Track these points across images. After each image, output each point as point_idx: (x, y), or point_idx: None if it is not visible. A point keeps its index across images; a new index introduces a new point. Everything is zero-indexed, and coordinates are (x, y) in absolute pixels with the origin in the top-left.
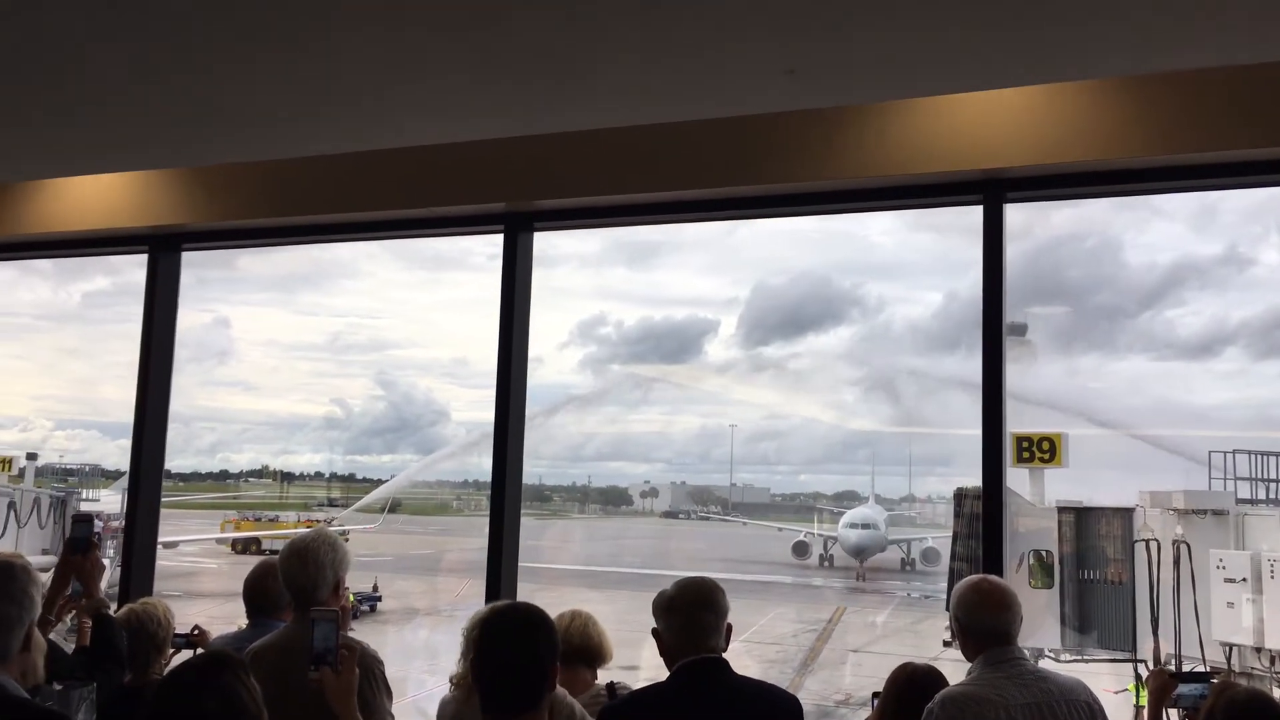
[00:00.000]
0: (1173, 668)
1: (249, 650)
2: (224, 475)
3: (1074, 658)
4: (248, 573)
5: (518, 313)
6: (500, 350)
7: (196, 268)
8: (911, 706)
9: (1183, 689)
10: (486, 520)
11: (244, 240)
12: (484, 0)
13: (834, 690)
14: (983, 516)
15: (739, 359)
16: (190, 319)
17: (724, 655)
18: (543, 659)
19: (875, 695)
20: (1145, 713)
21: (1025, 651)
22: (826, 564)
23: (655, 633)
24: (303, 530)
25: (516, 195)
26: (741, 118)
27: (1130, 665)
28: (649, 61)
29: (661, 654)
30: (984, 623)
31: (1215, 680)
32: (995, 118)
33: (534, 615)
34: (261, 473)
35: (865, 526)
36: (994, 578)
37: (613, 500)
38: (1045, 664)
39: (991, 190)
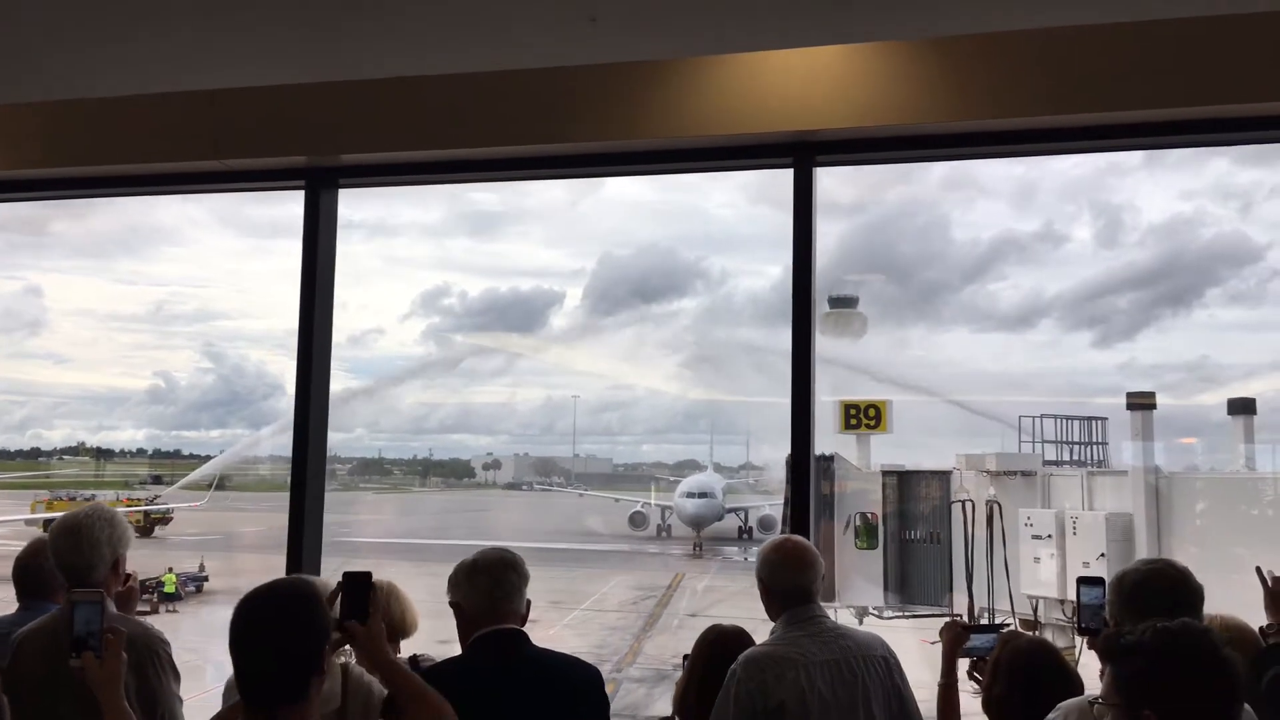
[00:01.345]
0: (966, 619)
1: (17, 635)
2: (36, 453)
3: (895, 614)
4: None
5: (320, 277)
6: (301, 318)
7: (4, 232)
8: (719, 667)
9: (974, 640)
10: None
11: (3, 193)
12: None
13: (672, 654)
14: (791, 481)
15: (584, 330)
16: None
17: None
18: (309, 642)
19: (686, 657)
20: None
21: (825, 609)
22: (664, 534)
23: (454, 605)
24: (120, 509)
25: (318, 149)
26: (549, 70)
27: (946, 619)
28: (447, 3)
29: (460, 628)
30: (786, 582)
31: (1004, 631)
32: (805, 78)
33: (300, 592)
34: (78, 450)
35: (702, 495)
36: (797, 538)
37: (455, 473)
38: (869, 621)
39: (802, 153)
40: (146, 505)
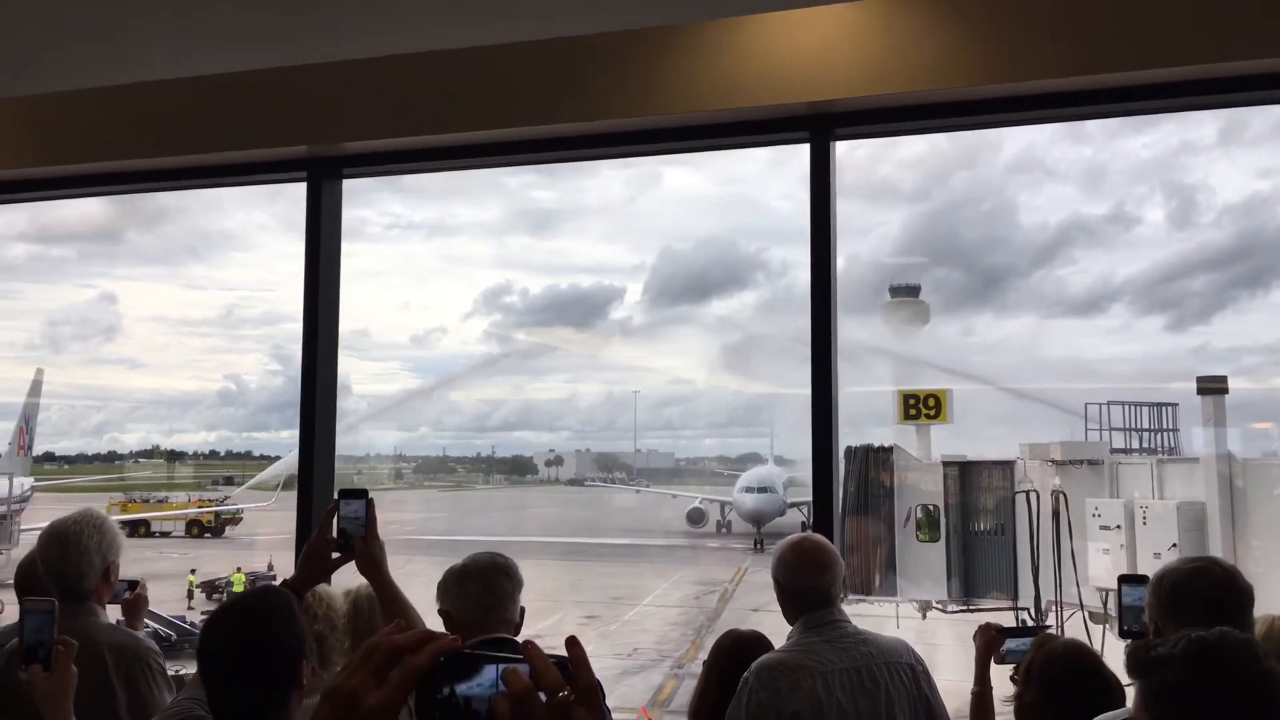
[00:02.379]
0: (1006, 624)
1: (10, 644)
2: (113, 457)
3: (960, 608)
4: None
5: (324, 273)
6: (306, 314)
7: (79, 241)
8: (735, 674)
9: (1010, 644)
10: (385, 492)
11: None
12: None
13: None
14: (813, 477)
15: (645, 325)
16: (72, 295)
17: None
18: (279, 663)
19: (705, 663)
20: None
21: (846, 612)
22: (725, 530)
23: (443, 613)
24: (192, 510)
25: (320, 137)
26: (550, 43)
27: (1013, 613)
28: None
29: None
30: (802, 584)
31: (1041, 634)
32: (819, 42)
33: (265, 609)
34: (152, 453)
35: (762, 490)
36: (816, 536)
37: (518, 469)
38: (933, 615)
39: (819, 126)
40: (217, 506)
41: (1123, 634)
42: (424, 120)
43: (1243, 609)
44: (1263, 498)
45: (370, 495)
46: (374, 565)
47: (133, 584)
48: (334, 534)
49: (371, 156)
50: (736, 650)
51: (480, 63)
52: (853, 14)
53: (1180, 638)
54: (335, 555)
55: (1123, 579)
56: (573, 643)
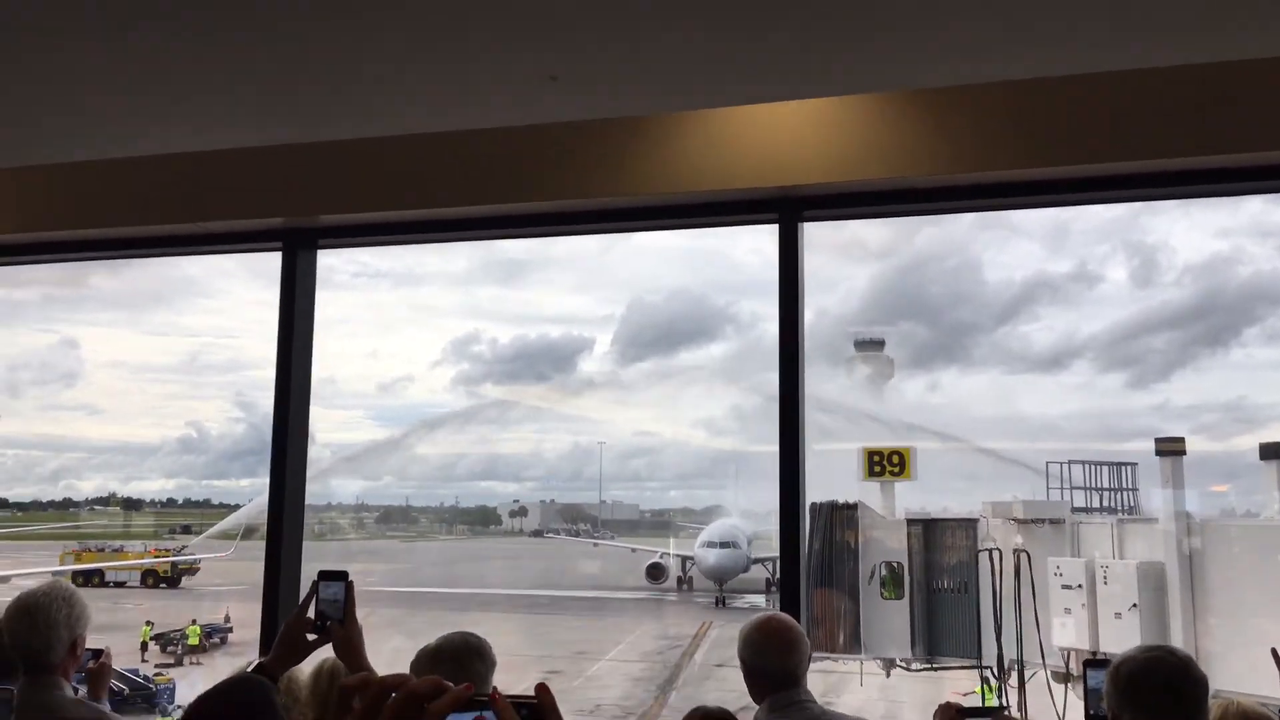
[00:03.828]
0: (967, 700)
1: None
2: (68, 504)
3: (923, 666)
4: None
5: (298, 338)
6: (279, 376)
7: (43, 285)
8: None
9: None
10: (347, 543)
11: None
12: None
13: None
14: (780, 542)
15: (614, 376)
16: (32, 340)
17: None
18: None
19: None
20: None
21: (811, 693)
22: (685, 587)
23: None
24: (148, 560)
25: (296, 210)
26: (524, 129)
27: (976, 672)
28: (410, 66)
29: None
30: (769, 664)
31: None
32: (788, 132)
33: (245, 697)
34: (108, 501)
35: (724, 545)
36: (781, 616)
37: (481, 520)
38: (897, 673)
39: (787, 208)
40: (174, 556)
41: (1089, 717)
42: (399, 196)
43: (1198, 699)
44: (1220, 557)
45: (350, 578)
46: (351, 650)
47: (96, 653)
48: (312, 615)
49: (346, 229)
50: None
51: (455, 145)
52: (819, 107)
53: None
54: (311, 638)
55: (1087, 663)
56: (543, 689)
